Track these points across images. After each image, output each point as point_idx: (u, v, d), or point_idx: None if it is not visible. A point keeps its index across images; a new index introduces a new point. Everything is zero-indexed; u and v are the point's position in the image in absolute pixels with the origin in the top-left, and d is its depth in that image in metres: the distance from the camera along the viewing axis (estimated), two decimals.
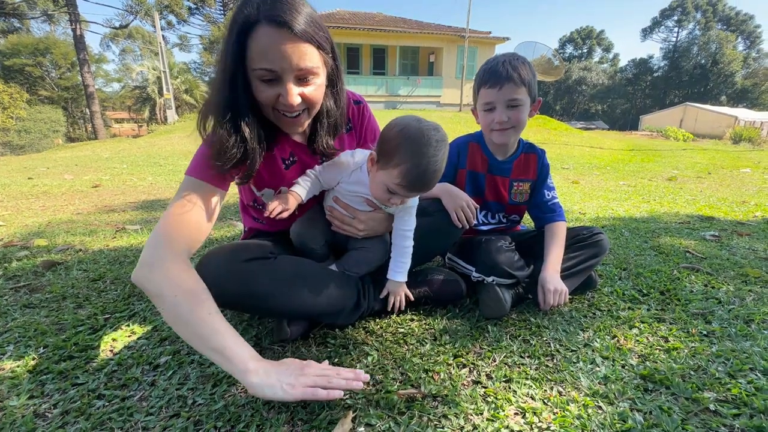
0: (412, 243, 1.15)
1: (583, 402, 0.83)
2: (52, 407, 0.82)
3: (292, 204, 1.02)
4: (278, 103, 0.89)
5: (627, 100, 46.01)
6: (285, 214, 1.00)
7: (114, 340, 1.08)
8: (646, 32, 45.78)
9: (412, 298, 1.19)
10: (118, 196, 3.64)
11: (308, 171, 1.09)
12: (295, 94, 0.87)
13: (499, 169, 1.37)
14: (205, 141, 0.94)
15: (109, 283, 1.47)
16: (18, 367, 0.94)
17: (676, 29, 43.58)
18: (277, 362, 0.81)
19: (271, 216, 0.98)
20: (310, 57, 0.85)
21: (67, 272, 1.58)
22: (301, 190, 1.05)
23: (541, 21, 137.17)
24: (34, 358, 0.98)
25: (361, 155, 1.09)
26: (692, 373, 0.93)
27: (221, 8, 35.99)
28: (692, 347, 1.04)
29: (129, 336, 1.10)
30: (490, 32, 19.39)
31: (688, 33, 42.54)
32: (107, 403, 0.83)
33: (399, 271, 1.15)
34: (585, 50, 48.61)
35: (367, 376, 0.84)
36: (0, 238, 2.11)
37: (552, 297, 1.17)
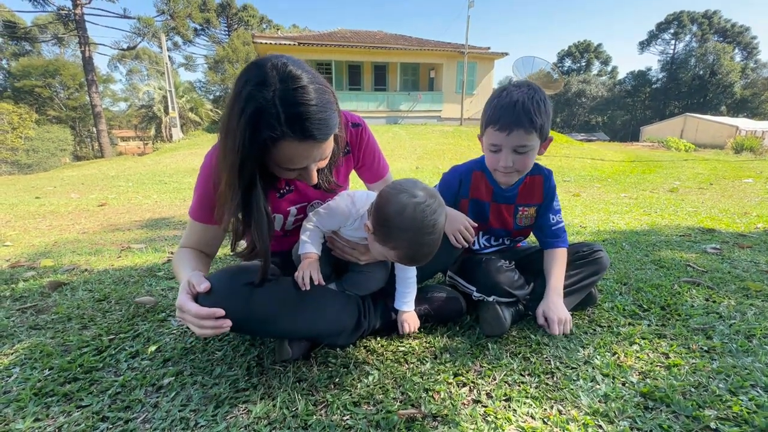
0: (415, 273, 1.17)
1: (583, 421, 0.83)
2: (56, 430, 0.83)
3: (317, 267, 1.01)
4: (298, 176, 0.92)
5: (627, 112, 46.31)
6: (319, 279, 0.98)
7: (118, 361, 1.09)
8: (644, 45, 46.43)
9: (418, 324, 1.19)
10: (124, 214, 3.69)
11: (306, 224, 1.07)
12: (316, 174, 0.93)
13: (503, 197, 1.34)
14: (201, 180, 1.01)
15: (114, 303, 1.49)
16: (24, 389, 0.96)
17: (672, 42, 44.16)
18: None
19: (307, 288, 0.97)
20: (330, 144, 0.90)
21: (72, 293, 1.60)
22: (315, 248, 1.04)
23: (538, 36, 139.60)
24: (39, 380, 0.99)
25: (361, 202, 1.07)
26: (693, 390, 0.93)
27: (226, 29, 36.95)
28: (693, 363, 1.03)
29: (133, 357, 1.11)
30: (489, 48, 19.69)
31: (685, 45, 43.09)
32: (111, 426, 0.84)
33: (405, 302, 1.17)
34: (583, 63, 49.24)
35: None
36: (7, 259, 2.15)
37: (556, 327, 1.15)
